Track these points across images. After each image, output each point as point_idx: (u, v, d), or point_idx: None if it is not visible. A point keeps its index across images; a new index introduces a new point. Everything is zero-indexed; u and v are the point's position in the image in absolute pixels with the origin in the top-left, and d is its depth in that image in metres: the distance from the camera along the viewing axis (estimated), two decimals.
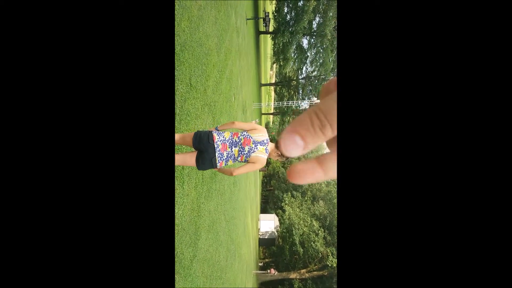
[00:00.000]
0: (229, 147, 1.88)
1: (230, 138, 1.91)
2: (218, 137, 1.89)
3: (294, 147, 0.18)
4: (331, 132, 0.18)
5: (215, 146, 1.85)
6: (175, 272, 2.53)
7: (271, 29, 19.66)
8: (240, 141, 1.90)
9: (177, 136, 2.00)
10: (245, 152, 1.88)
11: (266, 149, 1.91)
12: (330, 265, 24.16)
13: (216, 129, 1.99)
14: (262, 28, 20.22)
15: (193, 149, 1.97)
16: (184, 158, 1.91)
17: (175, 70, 2.75)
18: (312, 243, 24.43)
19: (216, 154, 1.85)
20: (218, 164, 1.87)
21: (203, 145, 1.86)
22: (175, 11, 2.83)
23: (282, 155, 1.92)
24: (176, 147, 2.58)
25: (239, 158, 1.90)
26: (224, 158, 1.88)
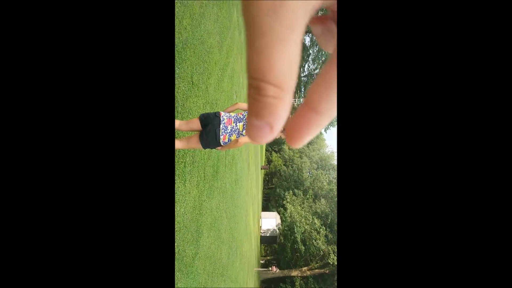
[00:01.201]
0: (233, 122, 2.02)
1: (236, 115, 2.07)
2: (224, 113, 2.06)
3: (255, 130, 0.14)
4: (274, 88, 0.12)
5: (221, 119, 2.00)
6: (177, 270, 2.55)
7: None
8: (244, 117, 2.03)
9: (182, 122, 2.08)
10: None
11: None
12: (331, 263, 24.21)
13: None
14: None
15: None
16: (188, 139, 2.00)
17: (177, 68, 2.75)
18: (313, 241, 24.48)
19: (221, 126, 1.98)
20: (222, 137, 1.97)
21: (210, 118, 2.02)
22: (177, 9, 2.83)
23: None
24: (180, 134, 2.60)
25: (244, 132, 2.01)
26: (228, 131, 1.99)
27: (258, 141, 0.14)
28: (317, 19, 0.17)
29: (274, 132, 0.14)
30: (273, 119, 0.13)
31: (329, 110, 0.15)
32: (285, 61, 0.11)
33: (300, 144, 0.16)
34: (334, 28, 0.16)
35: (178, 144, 2.02)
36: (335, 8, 0.15)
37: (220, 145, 2.01)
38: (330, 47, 0.18)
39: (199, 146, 2.01)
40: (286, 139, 0.16)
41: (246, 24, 0.11)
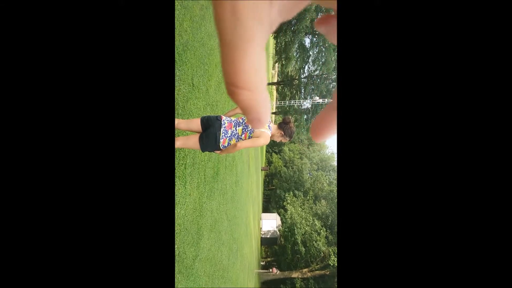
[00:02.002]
0: (233, 126, 2.05)
1: (236, 119, 2.10)
2: (225, 117, 2.09)
3: (250, 123, 0.16)
4: (244, 91, 0.14)
5: (222, 123, 2.02)
6: (178, 272, 2.54)
7: None
8: (243, 121, 2.06)
9: (181, 121, 2.09)
10: (249, 129, 2.03)
11: (269, 125, 2.05)
12: (332, 264, 24.15)
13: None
14: None
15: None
16: (187, 139, 2.01)
17: (178, 70, 2.76)
18: (314, 242, 24.42)
19: (221, 130, 2.00)
20: (222, 141, 1.99)
21: (211, 121, 2.05)
22: (177, 11, 2.83)
23: (284, 135, 2.02)
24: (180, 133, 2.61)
25: (243, 136, 2.04)
26: (228, 135, 2.01)
27: (256, 128, 0.16)
28: (319, 21, 0.18)
29: (263, 122, 0.16)
30: (256, 114, 0.15)
31: None
32: (248, 67, 0.13)
33: (322, 139, 0.18)
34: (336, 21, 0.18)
35: (176, 143, 2.02)
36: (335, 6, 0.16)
37: (219, 149, 2.01)
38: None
39: (197, 147, 2.01)
40: (310, 134, 0.18)
41: (217, 34, 0.13)
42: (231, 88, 0.14)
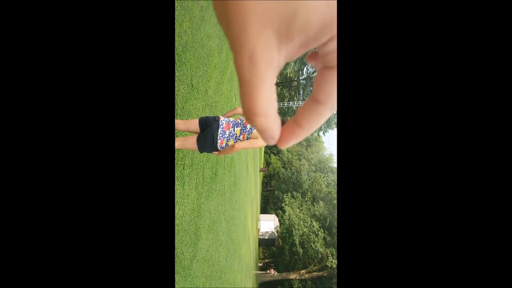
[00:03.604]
0: (232, 127, 2.05)
1: (234, 120, 2.10)
2: (223, 117, 2.09)
3: (266, 140, 0.20)
4: (259, 117, 0.17)
5: (220, 123, 2.02)
6: (175, 272, 2.53)
7: None
8: (242, 122, 2.06)
9: (180, 122, 2.09)
10: (247, 130, 2.03)
11: None
12: (329, 265, 24.11)
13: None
14: None
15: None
16: (184, 140, 2.02)
17: (177, 71, 2.75)
18: (312, 243, 24.38)
19: (219, 130, 2.00)
20: (219, 142, 1.98)
21: (209, 122, 2.05)
22: (177, 12, 2.83)
23: None
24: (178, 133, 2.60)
25: (241, 137, 2.03)
26: (225, 136, 2.01)
27: (271, 144, 0.20)
28: (309, 56, 0.22)
29: (276, 138, 0.20)
30: (270, 134, 0.19)
31: (309, 126, 0.20)
32: (262, 99, 0.17)
33: (285, 147, 0.22)
34: (321, 59, 0.20)
35: (175, 143, 2.02)
36: (322, 47, 0.19)
37: (217, 150, 2.01)
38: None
39: (195, 147, 2.01)
40: (277, 143, 0.21)
41: (237, 75, 0.16)
42: (250, 116, 0.17)
